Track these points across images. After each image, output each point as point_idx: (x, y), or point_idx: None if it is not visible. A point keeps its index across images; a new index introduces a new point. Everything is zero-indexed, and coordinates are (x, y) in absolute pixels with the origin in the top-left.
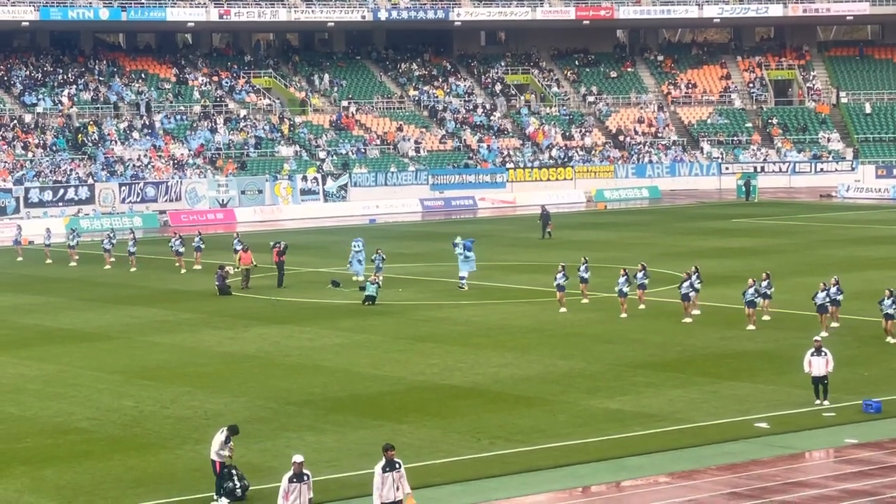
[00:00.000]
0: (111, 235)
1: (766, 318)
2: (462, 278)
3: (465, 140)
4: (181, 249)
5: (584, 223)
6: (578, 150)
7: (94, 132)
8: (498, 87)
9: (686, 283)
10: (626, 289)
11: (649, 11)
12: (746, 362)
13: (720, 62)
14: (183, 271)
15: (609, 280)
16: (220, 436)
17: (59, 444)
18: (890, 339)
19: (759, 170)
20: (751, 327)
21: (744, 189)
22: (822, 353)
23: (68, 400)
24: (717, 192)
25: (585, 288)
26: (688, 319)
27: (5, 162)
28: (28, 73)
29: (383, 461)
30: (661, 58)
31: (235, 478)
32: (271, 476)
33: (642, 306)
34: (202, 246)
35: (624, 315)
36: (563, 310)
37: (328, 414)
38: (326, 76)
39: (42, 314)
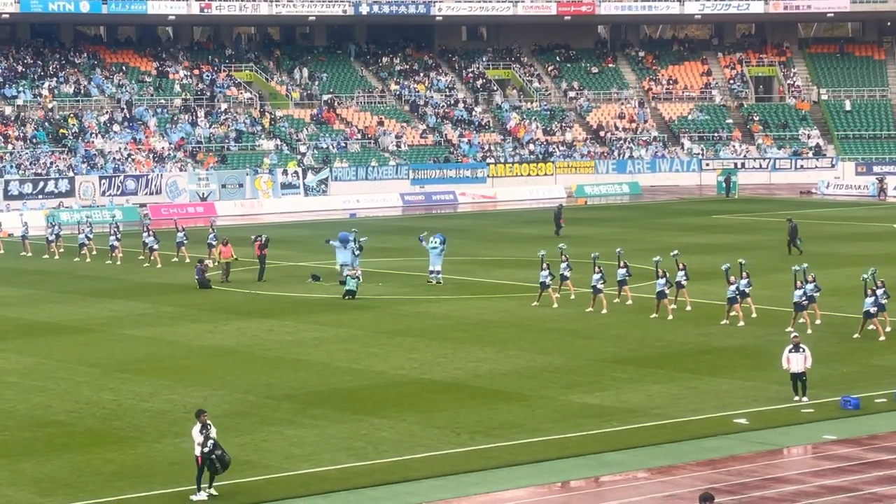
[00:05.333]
0: (87, 228)
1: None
2: (435, 272)
3: (445, 135)
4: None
5: (564, 218)
6: (559, 145)
7: (74, 125)
8: (479, 83)
9: (662, 281)
10: (600, 285)
11: (630, 7)
12: (726, 358)
13: (701, 58)
14: (157, 266)
15: (588, 275)
16: (195, 427)
17: (38, 437)
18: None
19: (739, 166)
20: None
21: (724, 185)
22: (801, 350)
23: (47, 393)
24: (698, 188)
25: (571, 284)
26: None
27: None
28: (8, 65)
29: None
30: (642, 54)
31: (217, 450)
32: (250, 470)
33: (630, 302)
34: (185, 241)
35: (605, 311)
36: (555, 305)
37: (307, 408)
38: (307, 70)
39: (21, 307)
